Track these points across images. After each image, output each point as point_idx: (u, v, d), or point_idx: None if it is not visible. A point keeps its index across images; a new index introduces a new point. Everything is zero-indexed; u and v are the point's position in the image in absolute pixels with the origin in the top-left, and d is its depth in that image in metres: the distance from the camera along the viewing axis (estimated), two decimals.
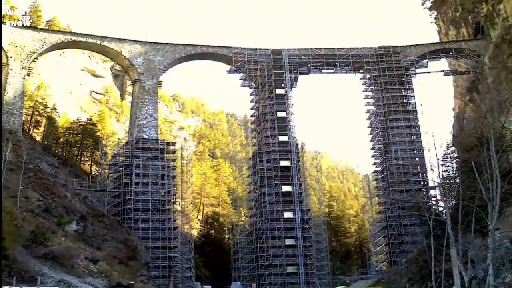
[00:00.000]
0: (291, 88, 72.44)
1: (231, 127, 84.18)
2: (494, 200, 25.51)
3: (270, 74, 71.11)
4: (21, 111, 59.86)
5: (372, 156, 71.44)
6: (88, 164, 76.01)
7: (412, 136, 66.20)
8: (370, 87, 72.64)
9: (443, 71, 74.88)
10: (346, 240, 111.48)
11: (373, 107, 72.01)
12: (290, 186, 66.57)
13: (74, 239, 36.47)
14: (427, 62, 73.19)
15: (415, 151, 65.81)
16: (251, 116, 73.31)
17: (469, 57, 68.54)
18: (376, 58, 72.09)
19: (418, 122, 67.56)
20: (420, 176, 63.98)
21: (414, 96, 70.97)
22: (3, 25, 56.86)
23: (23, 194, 35.97)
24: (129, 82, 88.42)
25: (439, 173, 32.71)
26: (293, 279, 62.60)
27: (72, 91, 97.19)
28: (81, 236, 40.41)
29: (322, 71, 75.10)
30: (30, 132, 68.32)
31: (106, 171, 67.06)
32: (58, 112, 79.34)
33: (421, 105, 71.25)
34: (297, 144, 70.95)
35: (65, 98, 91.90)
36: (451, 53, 70.86)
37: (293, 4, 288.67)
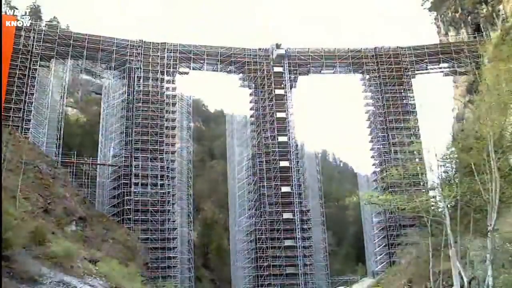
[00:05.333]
0: (291, 89, 72.49)
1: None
2: (493, 201, 25.52)
3: (269, 74, 71.21)
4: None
5: (371, 157, 71.49)
6: (88, 165, 75.92)
7: (411, 137, 66.18)
8: (370, 88, 72.71)
9: (442, 71, 74.94)
10: (346, 241, 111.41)
11: (372, 108, 72.07)
12: (290, 187, 66.61)
13: (74, 239, 36.43)
14: (427, 62, 73.25)
15: (415, 152, 65.79)
16: (251, 116, 73.41)
17: (468, 57, 68.61)
18: (376, 58, 72.29)
19: (417, 123, 67.58)
20: (420, 176, 64.04)
21: (413, 97, 71.00)
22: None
23: (23, 195, 35.93)
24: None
25: (438, 174, 32.75)
26: (293, 280, 62.65)
27: (72, 92, 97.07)
28: (81, 236, 40.40)
29: (322, 71, 75.19)
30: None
31: (105, 171, 67.11)
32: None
33: (421, 105, 71.19)
34: (297, 145, 70.99)
35: (64, 98, 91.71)
36: (450, 54, 70.92)
37: (292, 5, 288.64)
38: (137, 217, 59.22)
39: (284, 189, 66.48)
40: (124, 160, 62.89)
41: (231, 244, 75.51)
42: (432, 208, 34.62)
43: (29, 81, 61.27)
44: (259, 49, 73.54)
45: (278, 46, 73.45)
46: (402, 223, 62.29)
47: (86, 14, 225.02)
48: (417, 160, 65.24)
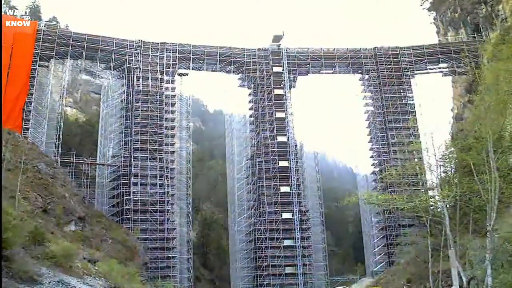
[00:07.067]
0: (290, 89, 72.52)
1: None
2: (492, 201, 25.52)
3: (268, 74, 71.27)
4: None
5: (371, 157, 71.53)
6: (87, 164, 75.94)
7: (410, 137, 66.15)
8: (369, 88, 72.74)
9: (442, 71, 74.94)
10: (345, 241, 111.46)
11: (372, 108, 72.09)
12: (289, 187, 66.63)
13: (73, 239, 36.40)
14: (426, 62, 73.25)
15: (414, 152, 65.75)
16: (250, 116, 73.43)
17: (468, 57, 68.63)
18: (375, 58, 72.36)
19: (416, 123, 67.55)
20: (419, 176, 64.02)
21: (413, 97, 71.08)
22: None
23: (22, 195, 35.89)
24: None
25: (437, 174, 32.74)
26: (292, 279, 62.68)
27: (71, 91, 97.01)
28: (80, 236, 40.36)
29: (321, 71, 75.25)
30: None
31: (105, 171, 67.08)
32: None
33: (420, 105, 71.17)
34: (296, 145, 71.01)
35: (64, 98, 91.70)
36: (450, 54, 70.93)
37: (292, 4, 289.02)
38: (136, 217, 59.19)
39: (283, 189, 66.50)
40: (123, 160, 62.88)
41: (231, 244, 75.44)
42: (431, 208, 34.62)
43: (28, 81, 61.16)
44: (258, 49, 73.60)
45: (277, 39, 73.68)
46: (401, 223, 62.35)
47: (86, 14, 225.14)
48: (416, 160, 65.39)
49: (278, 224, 64.44)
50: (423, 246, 37.93)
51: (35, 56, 62.30)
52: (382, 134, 69.16)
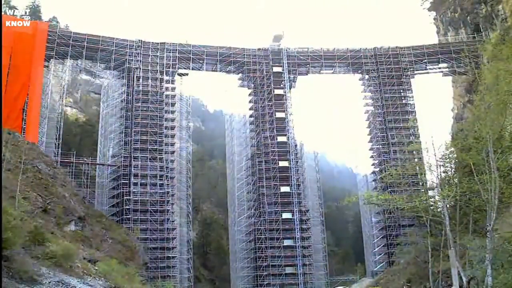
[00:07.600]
0: (290, 89, 72.54)
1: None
2: (492, 201, 25.50)
3: (268, 74, 71.26)
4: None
5: (371, 157, 71.53)
6: (87, 164, 75.98)
7: (410, 137, 66.17)
8: (369, 88, 72.75)
9: (442, 71, 74.95)
10: (345, 241, 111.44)
11: (372, 108, 72.11)
12: (289, 187, 66.65)
13: (73, 239, 36.36)
14: (426, 62, 73.25)
15: (414, 152, 65.79)
16: (250, 116, 73.44)
17: (468, 57, 68.61)
18: (375, 58, 72.36)
19: (417, 122, 67.57)
20: (419, 176, 64.00)
21: (413, 97, 71.12)
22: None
23: (22, 195, 35.85)
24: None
25: (437, 174, 32.72)
26: (292, 279, 62.72)
27: (71, 91, 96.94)
28: (80, 236, 40.31)
29: (321, 71, 75.28)
30: None
31: (105, 171, 67.09)
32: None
33: (420, 106, 71.19)
34: (296, 145, 71.01)
35: (64, 98, 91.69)
36: (450, 54, 70.93)
37: (292, 4, 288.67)
38: (136, 217, 59.19)
39: (283, 189, 66.51)
40: (123, 160, 62.86)
41: (231, 244, 75.46)
42: (431, 208, 34.63)
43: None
44: (259, 49, 73.61)
45: (277, 39, 73.76)
46: (401, 223, 62.36)
47: (86, 14, 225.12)
48: (416, 160, 65.38)
49: (278, 224, 64.44)
50: (423, 246, 37.93)
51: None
52: (382, 134, 69.16)
